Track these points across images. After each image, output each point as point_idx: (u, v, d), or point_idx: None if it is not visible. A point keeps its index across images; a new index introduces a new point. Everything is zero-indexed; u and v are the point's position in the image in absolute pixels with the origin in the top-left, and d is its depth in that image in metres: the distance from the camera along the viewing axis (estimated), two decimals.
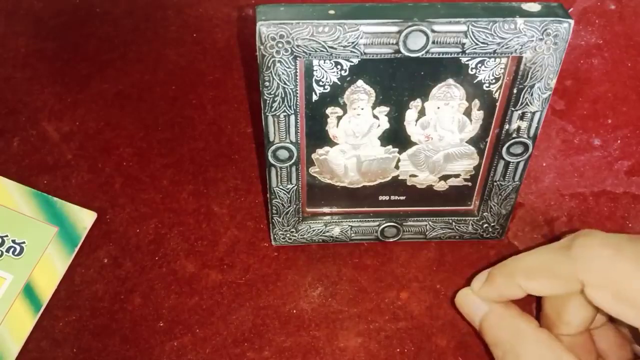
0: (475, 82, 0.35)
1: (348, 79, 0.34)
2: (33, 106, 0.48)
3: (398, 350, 0.39)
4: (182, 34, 0.52)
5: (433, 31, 0.32)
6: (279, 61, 0.32)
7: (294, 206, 0.39)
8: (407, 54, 0.33)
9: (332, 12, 0.32)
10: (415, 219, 0.41)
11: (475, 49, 0.33)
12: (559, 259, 0.33)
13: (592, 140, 0.47)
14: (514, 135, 0.37)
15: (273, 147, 0.36)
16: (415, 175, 0.39)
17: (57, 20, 0.53)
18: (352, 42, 0.32)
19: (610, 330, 0.37)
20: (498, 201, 0.40)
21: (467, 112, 0.36)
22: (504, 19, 0.32)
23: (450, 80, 0.35)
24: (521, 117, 0.36)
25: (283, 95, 0.34)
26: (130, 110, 0.48)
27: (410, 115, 0.36)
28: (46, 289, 0.40)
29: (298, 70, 0.33)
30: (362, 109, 0.36)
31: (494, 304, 0.36)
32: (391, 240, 0.42)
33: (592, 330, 0.36)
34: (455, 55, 0.33)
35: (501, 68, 0.34)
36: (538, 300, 0.39)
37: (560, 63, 0.33)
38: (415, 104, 0.36)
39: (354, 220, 0.41)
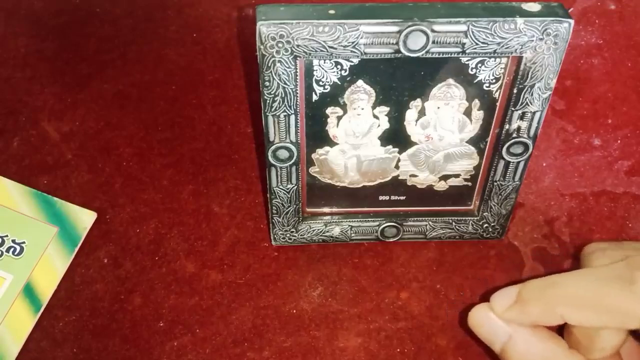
0: (475, 82, 0.35)
1: (348, 78, 0.34)
2: (33, 106, 0.48)
3: (398, 350, 0.39)
4: (182, 34, 0.52)
5: (433, 31, 0.32)
6: (279, 61, 0.32)
7: (294, 206, 0.39)
8: (407, 53, 0.33)
9: (332, 12, 0.32)
10: (415, 219, 0.41)
11: (475, 48, 0.33)
12: (619, 293, 0.30)
13: (592, 140, 0.47)
14: (514, 135, 0.36)
15: (273, 147, 0.36)
16: (415, 175, 0.39)
17: (57, 20, 0.53)
18: (352, 42, 0.32)
19: (633, 344, 0.35)
20: (498, 201, 0.40)
21: (467, 112, 0.36)
22: (504, 18, 0.32)
23: (451, 80, 0.35)
24: (521, 117, 0.36)
25: (283, 95, 0.34)
26: (130, 110, 0.48)
27: (411, 115, 0.36)
28: (46, 289, 0.40)
29: (298, 70, 0.33)
30: (362, 108, 0.36)
31: (519, 327, 0.33)
32: (391, 240, 0.42)
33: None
34: (456, 55, 0.33)
35: (501, 68, 0.34)
36: None
37: (560, 63, 0.33)
38: (416, 103, 0.36)
39: (354, 220, 0.41)
